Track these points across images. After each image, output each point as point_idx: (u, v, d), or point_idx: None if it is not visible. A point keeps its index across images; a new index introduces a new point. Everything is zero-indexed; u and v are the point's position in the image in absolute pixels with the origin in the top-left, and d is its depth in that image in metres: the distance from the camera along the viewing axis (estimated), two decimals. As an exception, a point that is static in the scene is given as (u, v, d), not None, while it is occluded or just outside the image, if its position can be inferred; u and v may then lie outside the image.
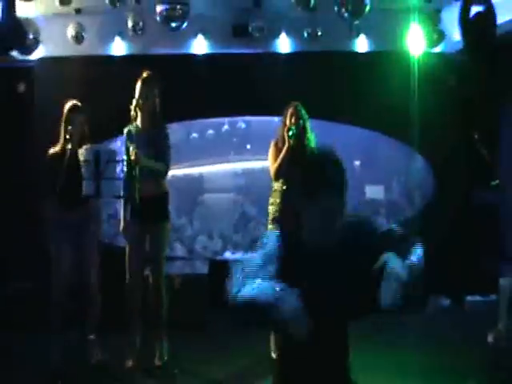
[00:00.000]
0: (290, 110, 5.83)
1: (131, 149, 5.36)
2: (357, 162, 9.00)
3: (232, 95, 7.30)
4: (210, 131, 9.29)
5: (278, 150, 5.85)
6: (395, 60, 7.52)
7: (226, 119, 9.00)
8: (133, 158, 5.33)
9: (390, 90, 7.29)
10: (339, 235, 2.73)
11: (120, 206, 5.71)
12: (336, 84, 7.46)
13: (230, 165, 9.25)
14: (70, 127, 5.44)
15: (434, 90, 7.39)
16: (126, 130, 5.56)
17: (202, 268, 7.35)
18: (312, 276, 2.70)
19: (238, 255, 8.31)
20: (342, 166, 2.73)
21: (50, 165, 5.45)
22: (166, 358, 5.62)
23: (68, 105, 5.57)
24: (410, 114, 7.32)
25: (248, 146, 9.26)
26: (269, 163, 5.92)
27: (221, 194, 9.08)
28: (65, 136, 5.45)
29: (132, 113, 5.45)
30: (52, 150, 5.54)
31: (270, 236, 2.75)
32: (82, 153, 5.16)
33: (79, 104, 5.60)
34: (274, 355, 5.74)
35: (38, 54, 7.12)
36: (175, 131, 8.40)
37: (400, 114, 7.35)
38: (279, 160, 5.78)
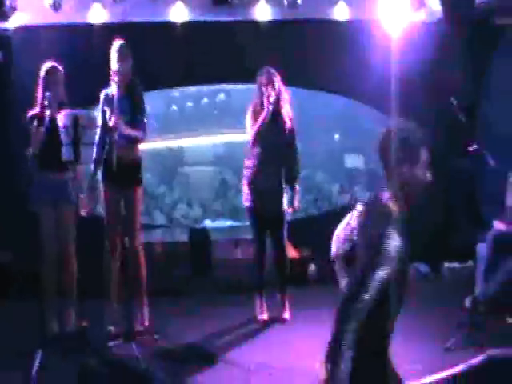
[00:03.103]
0: (264, 76, 5.85)
1: (108, 114, 5.38)
2: (336, 135, 9.05)
3: (211, 63, 7.26)
4: (190, 103, 9.28)
5: (255, 115, 5.88)
6: (375, 29, 7.51)
7: (206, 91, 8.99)
8: (111, 124, 5.34)
9: (368, 59, 7.30)
10: None
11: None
12: (315, 52, 7.44)
13: (210, 137, 9.25)
14: (47, 91, 5.41)
15: (414, 58, 7.39)
16: (102, 94, 5.57)
17: (182, 236, 7.40)
18: None
19: (218, 223, 8.35)
20: None
21: (29, 126, 5.43)
22: (146, 323, 5.67)
23: (45, 66, 5.53)
24: (389, 83, 7.33)
25: (228, 118, 9.25)
26: (246, 128, 5.95)
27: (201, 167, 9.09)
28: (43, 100, 5.42)
29: (110, 79, 5.45)
30: (30, 113, 5.52)
31: None
32: (60, 118, 5.13)
33: (57, 65, 5.55)
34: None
35: (14, 22, 7.02)
36: (155, 103, 8.41)
37: (379, 82, 7.35)
38: (258, 126, 5.82)
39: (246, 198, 5.98)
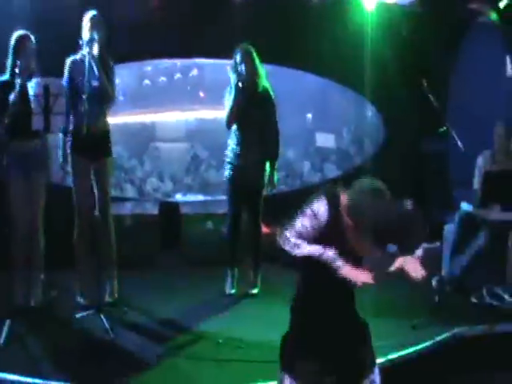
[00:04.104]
0: (238, 56, 5.81)
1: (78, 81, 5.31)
2: (309, 115, 9.05)
3: (184, 37, 7.21)
4: (163, 78, 9.19)
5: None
6: (350, 8, 7.52)
7: (179, 66, 8.92)
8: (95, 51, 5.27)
9: (343, 39, 7.33)
10: None
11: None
12: (290, 30, 7.42)
13: (182, 113, 9.19)
14: (18, 60, 5.32)
15: (387, 39, 7.44)
16: (69, 61, 5.50)
17: (153, 209, 7.40)
18: None
19: (189, 197, 8.34)
20: None
21: None
22: (116, 295, 5.66)
23: (16, 34, 5.43)
24: (362, 63, 7.37)
25: (201, 94, 9.19)
26: (225, 108, 5.91)
27: (173, 144, 9.04)
28: (13, 68, 5.33)
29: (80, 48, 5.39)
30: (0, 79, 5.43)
31: None
32: (31, 86, 5.07)
33: (28, 34, 5.45)
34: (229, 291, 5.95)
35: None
36: (127, 77, 8.33)
37: (352, 62, 7.38)
38: (229, 109, 5.80)
39: (227, 172, 5.97)
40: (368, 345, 3.17)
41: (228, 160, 5.95)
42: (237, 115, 5.80)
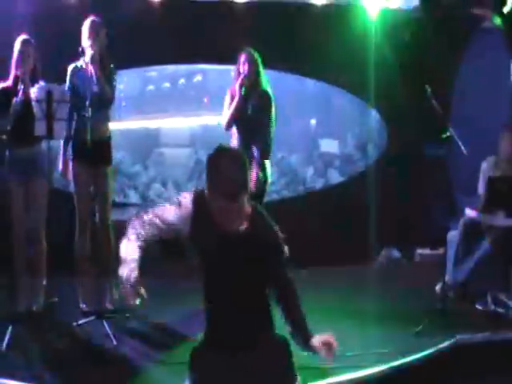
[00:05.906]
0: (242, 57, 5.82)
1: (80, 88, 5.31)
2: (313, 121, 9.05)
3: (187, 43, 7.20)
4: (167, 84, 9.20)
5: (231, 99, 5.84)
6: (352, 14, 7.53)
7: (183, 72, 8.93)
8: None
9: (345, 44, 7.32)
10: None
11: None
12: (293, 35, 7.43)
13: (186, 119, 9.19)
14: (21, 64, 5.33)
15: (389, 44, 7.44)
16: (70, 68, 5.50)
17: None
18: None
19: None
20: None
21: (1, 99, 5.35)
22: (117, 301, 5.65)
23: (19, 40, 5.43)
24: (365, 68, 7.37)
25: (205, 100, 9.20)
26: (224, 109, 5.91)
27: (177, 149, 9.04)
28: (16, 74, 5.34)
29: (79, 51, 5.39)
30: (1, 85, 5.42)
31: None
32: (34, 91, 5.07)
33: (29, 39, 5.44)
34: None
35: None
36: (132, 83, 8.34)
37: (355, 67, 7.37)
38: (229, 112, 5.80)
39: None
40: (286, 361, 3.00)
41: None
42: (236, 116, 5.79)
